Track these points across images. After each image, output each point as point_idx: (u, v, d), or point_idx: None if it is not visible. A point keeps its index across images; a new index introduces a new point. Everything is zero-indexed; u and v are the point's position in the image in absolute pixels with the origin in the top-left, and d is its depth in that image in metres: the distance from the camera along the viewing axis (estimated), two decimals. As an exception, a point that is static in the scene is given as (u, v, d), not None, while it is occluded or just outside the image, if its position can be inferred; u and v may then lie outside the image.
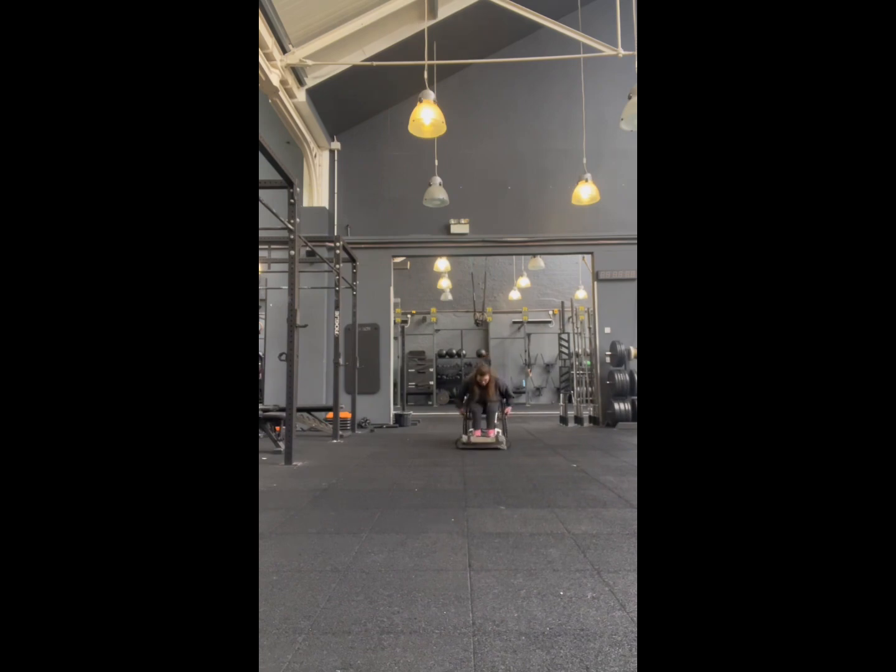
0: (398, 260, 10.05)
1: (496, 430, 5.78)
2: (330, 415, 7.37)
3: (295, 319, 4.82)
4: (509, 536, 2.50)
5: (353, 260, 7.91)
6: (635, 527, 2.64)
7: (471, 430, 5.81)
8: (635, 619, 1.63)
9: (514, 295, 14.28)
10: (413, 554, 2.26)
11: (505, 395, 6.05)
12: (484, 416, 5.89)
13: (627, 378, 7.99)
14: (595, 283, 8.93)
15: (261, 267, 7.59)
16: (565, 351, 12.35)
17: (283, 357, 5.27)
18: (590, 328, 9.19)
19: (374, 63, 6.99)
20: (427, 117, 5.53)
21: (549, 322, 14.97)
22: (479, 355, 14.54)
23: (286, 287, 5.39)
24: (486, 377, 5.96)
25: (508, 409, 6.11)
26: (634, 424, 7.71)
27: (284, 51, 6.72)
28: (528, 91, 9.38)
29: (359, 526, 2.71)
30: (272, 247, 7.47)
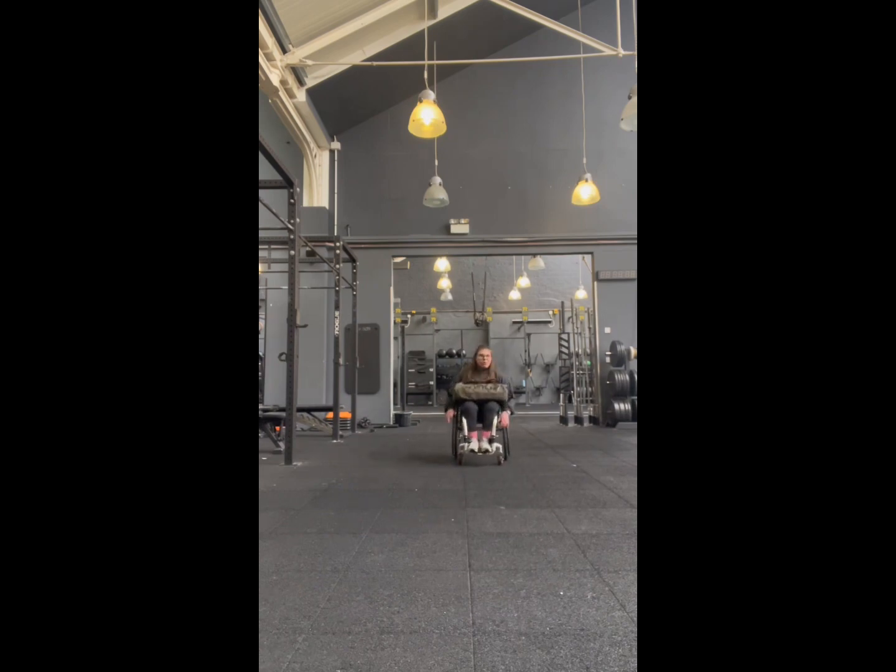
0: (398, 260, 10.04)
1: (493, 438, 4.68)
2: (330, 415, 7.37)
3: (295, 319, 4.82)
4: (509, 536, 2.50)
5: (353, 260, 7.91)
6: (635, 527, 2.64)
7: (462, 438, 4.67)
8: (635, 619, 1.63)
9: (514, 295, 14.28)
10: (413, 554, 2.26)
11: (503, 396, 4.77)
12: (479, 424, 4.70)
13: (627, 378, 7.99)
14: (595, 283, 8.93)
15: (261, 267, 7.59)
16: (565, 351, 12.34)
17: (283, 357, 5.27)
18: (590, 328, 9.19)
19: (374, 63, 6.99)
20: (427, 117, 5.53)
21: (549, 322, 14.97)
22: None
23: (286, 287, 5.39)
24: (488, 356, 4.90)
25: (506, 417, 4.76)
26: (634, 424, 7.71)
27: (284, 51, 6.72)
28: (528, 91, 9.37)
29: (359, 526, 2.71)
30: (272, 247, 7.46)
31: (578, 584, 1.91)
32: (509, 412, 4.83)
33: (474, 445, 4.57)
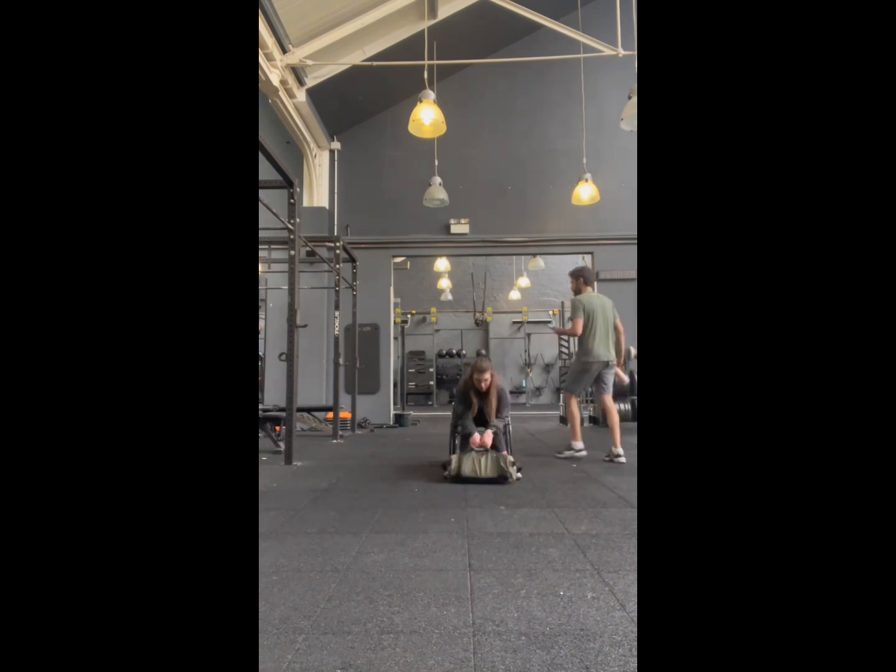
0: (398, 260, 10.05)
1: (494, 441, 4.07)
2: (330, 415, 7.37)
3: (295, 319, 4.81)
4: (509, 536, 2.50)
5: (353, 260, 7.91)
6: (635, 527, 2.64)
7: (458, 452, 4.08)
8: (635, 619, 1.63)
9: (514, 295, 14.28)
10: (413, 554, 2.26)
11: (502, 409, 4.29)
12: (480, 427, 4.19)
13: (627, 378, 7.99)
14: (595, 282, 8.93)
15: (261, 267, 7.59)
16: (565, 351, 12.34)
17: (283, 357, 5.26)
18: (590, 328, 9.18)
19: (374, 63, 6.99)
20: (427, 117, 5.53)
21: (549, 322, 14.97)
22: (479, 354, 14.50)
23: (286, 287, 5.39)
24: (487, 377, 4.19)
25: (487, 437, 4.08)
26: (634, 424, 7.70)
27: (284, 51, 6.72)
28: (528, 91, 9.37)
29: (359, 526, 2.71)
30: (272, 247, 7.46)
31: (578, 584, 1.91)
32: (503, 425, 4.26)
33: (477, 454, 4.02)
